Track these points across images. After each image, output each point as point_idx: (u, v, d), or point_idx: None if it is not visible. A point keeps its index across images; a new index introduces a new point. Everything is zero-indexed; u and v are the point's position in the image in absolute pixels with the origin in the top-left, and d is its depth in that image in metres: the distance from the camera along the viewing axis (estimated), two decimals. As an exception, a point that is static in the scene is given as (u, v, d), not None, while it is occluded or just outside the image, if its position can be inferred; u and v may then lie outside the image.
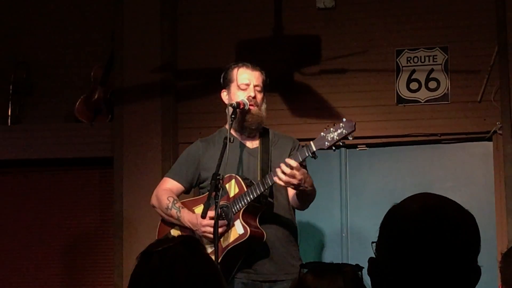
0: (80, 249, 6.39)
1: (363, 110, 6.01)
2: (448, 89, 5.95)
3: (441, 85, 5.96)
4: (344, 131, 4.22)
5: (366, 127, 5.96)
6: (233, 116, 4.46)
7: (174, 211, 4.59)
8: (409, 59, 6.02)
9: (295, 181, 4.25)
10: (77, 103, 6.44)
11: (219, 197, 4.27)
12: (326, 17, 6.14)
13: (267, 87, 4.70)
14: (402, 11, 6.05)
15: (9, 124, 6.53)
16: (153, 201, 4.73)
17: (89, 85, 6.47)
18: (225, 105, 4.62)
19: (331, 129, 4.25)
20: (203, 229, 4.43)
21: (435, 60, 5.99)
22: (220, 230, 4.36)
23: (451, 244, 1.84)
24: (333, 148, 4.28)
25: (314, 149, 4.26)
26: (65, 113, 6.52)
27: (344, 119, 4.27)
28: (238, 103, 4.49)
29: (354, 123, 4.23)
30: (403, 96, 6.00)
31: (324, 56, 6.12)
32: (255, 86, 4.58)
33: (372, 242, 1.94)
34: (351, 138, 4.27)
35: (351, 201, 6.05)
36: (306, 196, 4.44)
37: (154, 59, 6.23)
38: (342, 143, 4.29)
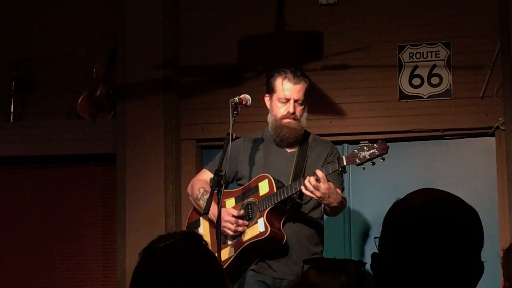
0: (82, 245, 6.39)
1: (366, 106, 6.01)
2: (450, 85, 5.94)
3: (443, 80, 5.96)
4: (376, 152, 4.39)
5: (369, 123, 5.96)
6: (235, 112, 4.49)
7: (201, 202, 4.67)
8: (411, 54, 6.01)
9: (318, 193, 4.36)
10: (79, 100, 6.44)
11: (221, 194, 4.31)
12: (328, 13, 6.13)
13: (308, 94, 4.71)
14: (404, 7, 6.05)
15: (11, 121, 6.53)
16: (188, 189, 4.87)
17: (91, 82, 6.46)
18: (267, 111, 4.75)
19: (365, 147, 4.41)
20: (224, 224, 4.51)
21: (437, 55, 5.98)
22: (240, 229, 4.51)
23: (454, 240, 1.83)
24: (363, 166, 4.39)
25: (345, 163, 4.42)
26: (67, 110, 6.52)
27: (379, 141, 4.46)
28: (241, 99, 4.53)
29: (387, 147, 4.40)
30: (405, 92, 5.99)
31: (326, 52, 6.11)
32: (295, 100, 4.61)
33: (375, 238, 1.94)
34: (382, 160, 4.43)
35: (353, 196, 6.04)
36: (329, 208, 4.52)
37: (156, 55, 6.23)
38: (371, 163, 4.38)
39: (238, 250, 4.47)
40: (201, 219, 4.76)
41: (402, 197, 1.94)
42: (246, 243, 4.49)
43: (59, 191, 6.45)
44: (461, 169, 5.96)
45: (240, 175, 4.69)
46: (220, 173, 4.30)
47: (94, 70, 6.45)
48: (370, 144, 4.41)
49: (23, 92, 6.56)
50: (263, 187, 4.53)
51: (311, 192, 4.35)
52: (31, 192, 6.48)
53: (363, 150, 4.39)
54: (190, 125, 6.23)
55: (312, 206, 4.64)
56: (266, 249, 4.50)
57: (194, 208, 4.82)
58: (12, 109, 6.54)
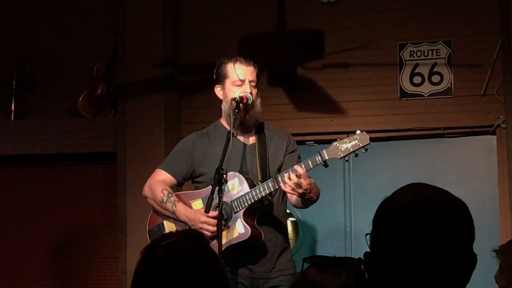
0: (83, 244, 6.39)
1: (366, 104, 6.01)
2: (451, 83, 5.94)
3: (444, 79, 5.96)
4: (359, 143, 4.24)
5: (369, 121, 5.96)
6: (236, 110, 4.44)
7: (169, 205, 4.55)
8: (412, 53, 6.01)
9: (300, 190, 4.24)
10: (80, 98, 6.44)
11: (223, 192, 4.26)
12: (329, 11, 6.13)
13: (259, 80, 4.69)
14: (405, 5, 6.05)
15: (12, 119, 6.53)
16: (146, 192, 4.70)
17: (92, 80, 6.46)
18: (219, 101, 4.62)
19: (346, 140, 4.27)
20: (201, 225, 4.39)
21: (438, 54, 5.98)
22: (216, 229, 4.36)
23: (445, 233, 1.83)
24: (346, 158, 4.29)
25: (327, 157, 4.26)
26: (68, 108, 6.52)
27: (358, 131, 4.29)
28: (242, 98, 4.48)
29: (368, 137, 4.26)
30: (406, 90, 5.99)
31: (327, 51, 6.11)
32: (250, 81, 4.56)
33: (366, 234, 1.94)
34: (364, 151, 4.28)
35: (354, 195, 6.05)
36: (308, 202, 4.44)
37: (157, 54, 6.23)
38: (354, 155, 4.29)
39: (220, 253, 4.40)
40: (165, 222, 4.62)
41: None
42: (227, 246, 4.39)
43: (60, 189, 6.45)
44: (462, 167, 5.96)
45: (198, 172, 4.56)
46: (221, 172, 4.26)
47: (95, 68, 6.45)
48: (350, 136, 4.29)
49: (24, 91, 6.56)
50: (234, 186, 4.43)
51: (293, 189, 4.24)
52: (32, 191, 6.47)
53: (344, 143, 4.26)
54: (190, 123, 6.23)
55: (277, 202, 4.55)
56: (246, 248, 4.45)
57: (154, 211, 4.67)
58: (13, 108, 6.54)
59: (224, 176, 4.24)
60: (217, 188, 4.25)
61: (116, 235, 6.21)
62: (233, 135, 4.36)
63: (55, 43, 6.57)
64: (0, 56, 6.63)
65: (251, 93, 4.52)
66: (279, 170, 4.49)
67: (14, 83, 6.54)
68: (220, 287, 2.25)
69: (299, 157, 4.57)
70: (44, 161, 6.46)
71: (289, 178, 4.22)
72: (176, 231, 2.35)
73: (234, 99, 4.48)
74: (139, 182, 6.08)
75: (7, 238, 6.47)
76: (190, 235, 2.31)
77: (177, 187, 4.87)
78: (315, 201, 4.45)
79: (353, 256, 3.24)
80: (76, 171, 6.45)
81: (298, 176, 4.21)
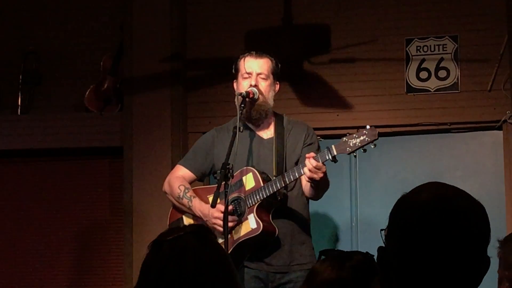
0: (89, 238, 6.40)
1: (373, 99, 6.00)
2: (458, 78, 5.94)
3: (450, 74, 5.95)
4: (367, 138, 4.26)
5: (376, 116, 5.95)
6: (242, 105, 4.46)
7: (185, 200, 4.61)
8: (418, 48, 6.00)
9: (321, 174, 4.24)
10: (87, 93, 6.44)
11: (229, 187, 4.28)
12: (335, 6, 6.13)
13: (277, 74, 4.69)
14: (411, 0, 6.04)
15: (18, 114, 6.54)
16: (165, 187, 4.77)
17: (98, 75, 6.47)
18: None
19: (354, 135, 4.28)
20: (214, 220, 4.44)
21: (445, 49, 5.97)
22: (230, 224, 4.38)
23: (461, 234, 1.84)
24: (355, 154, 4.30)
25: (335, 153, 4.27)
26: (74, 103, 6.53)
27: (367, 126, 4.31)
28: (248, 92, 4.49)
29: (377, 132, 4.28)
30: (412, 85, 5.99)
31: (333, 45, 6.10)
32: (258, 74, 4.57)
33: (381, 230, 1.95)
34: (373, 146, 4.30)
35: (360, 190, 6.05)
36: (322, 186, 4.45)
37: (164, 48, 6.23)
38: (363, 150, 4.30)
39: (232, 248, 4.41)
40: (184, 217, 4.67)
41: (409, 190, 1.95)
42: (240, 241, 4.42)
43: (67, 184, 6.46)
44: (468, 163, 5.96)
45: (217, 167, 4.52)
46: (227, 167, 4.27)
47: (101, 63, 6.46)
48: (359, 131, 4.31)
49: (30, 85, 6.57)
50: (249, 181, 4.45)
51: (314, 173, 4.21)
52: (38, 185, 6.48)
53: (353, 138, 4.27)
54: (197, 118, 6.23)
55: (296, 195, 4.57)
56: (260, 244, 4.46)
57: (174, 207, 4.73)
58: (19, 102, 6.55)
59: (231, 171, 4.26)
60: (223, 183, 4.28)
61: (123, 229, 6.22)
62: (239, 130, 4.38)
63: (62, 38, 6.58)
64: (7, 51, 6.64)
65: (256, 86, 4.54)
66: (296, 165, 4.50)
67: (20, 77, 6.55)
68: (226, 282, 2.25)
69: (319, 149, 4.56)
70: (51, 156, 6.47)
71: (310, 163, 4.22)
72: (183, 225, 2.36)
73: (240, 94, 4.49)
74: (145, 177, 6.11)
75: (12, 233, 6.48)
76: (196, 230, 2.31)
77: (197, 182, 4.89)
78: (327, 184, 4.46)
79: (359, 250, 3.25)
80: (82, 165, 6.46)
81: (317, 160, 4.23)
